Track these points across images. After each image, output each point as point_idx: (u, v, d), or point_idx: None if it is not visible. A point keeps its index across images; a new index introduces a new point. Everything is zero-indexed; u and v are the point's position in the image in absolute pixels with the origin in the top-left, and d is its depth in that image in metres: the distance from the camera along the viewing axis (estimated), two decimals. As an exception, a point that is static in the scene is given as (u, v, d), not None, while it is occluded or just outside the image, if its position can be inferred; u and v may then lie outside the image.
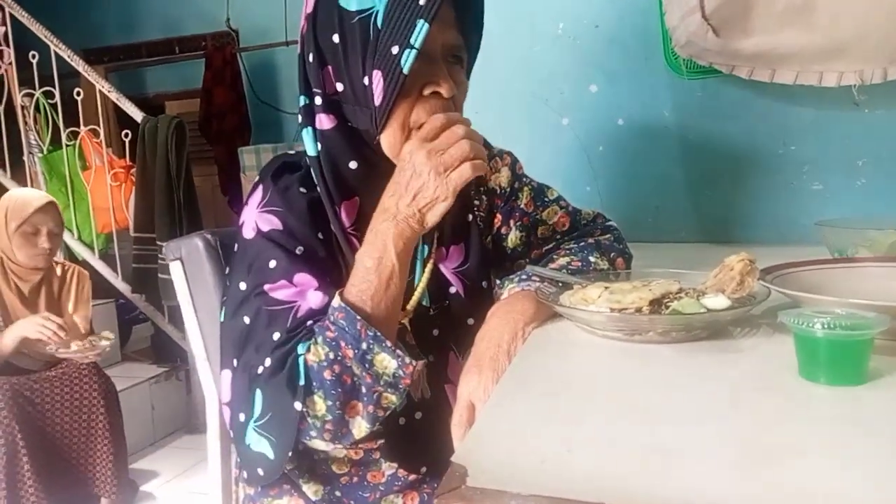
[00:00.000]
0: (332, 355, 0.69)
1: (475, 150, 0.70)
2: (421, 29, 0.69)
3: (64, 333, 2.10)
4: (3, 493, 1.92)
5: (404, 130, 0.76)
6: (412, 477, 0.85)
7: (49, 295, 2.28)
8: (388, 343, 0.69)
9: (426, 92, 0.76)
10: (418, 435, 0.83)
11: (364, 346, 0.69)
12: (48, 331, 2.07)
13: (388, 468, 0.85)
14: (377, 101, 0.74)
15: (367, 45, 0.73)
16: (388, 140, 0.77)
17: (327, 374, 0.69)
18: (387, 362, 0.69)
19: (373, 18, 0.73)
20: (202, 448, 1.05)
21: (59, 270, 2.33)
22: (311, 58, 0.79)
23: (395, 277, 0.72)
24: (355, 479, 0.85)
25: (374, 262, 0.72)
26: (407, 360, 0.69)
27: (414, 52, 0.70)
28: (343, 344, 0.69)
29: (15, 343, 2.08)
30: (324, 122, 0.79)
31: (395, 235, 0.71)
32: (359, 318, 0.69)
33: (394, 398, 0.71)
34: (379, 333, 0.69)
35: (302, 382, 0.69)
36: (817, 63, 1.27)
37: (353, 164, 0.79)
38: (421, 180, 0.70)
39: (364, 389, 0.70)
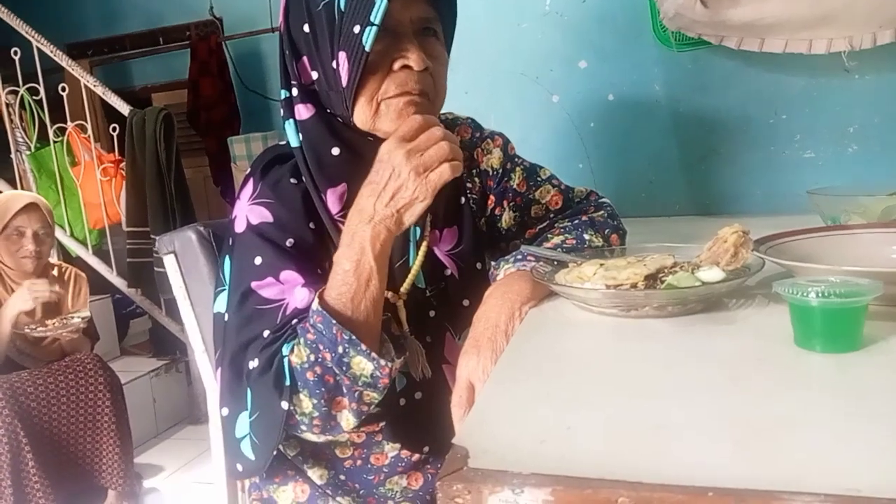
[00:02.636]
0: (312, 357, 0.71)
1: (454, 152, 0.71)
2: (380, 6, 0.70)
3: (57, 287, 2.12)
4: (9, 489, 1.93)
5: (373, 105, 0.77)
6: (415, 457, 0.86)
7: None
8: (364, 346, 0.70)
9: (396, 67, 0.76)
10: (419, 415, 0.84)
11: (340, 349, 0.70)
12: (41, 293, 2.07)
13: (391, 449, 0.85)
14: (343, 81, 0.75)
15: (334, 30, 0.75)
16: (360, 118, 0.78)
17: (310, 375, 0.71)
18: (363, 365, 0.70)
19: (336, 3, 0.74)
20: (206, 438, 1.06)
21: (55, 273, 2.31)
22: (287, 51, 0.81)
23: (374, 279, 0.72)
24: (359, 461, 0.86)
25: (353, 265, 0.72)
26: (382, 362, 0.70)
27: (374, 28, 0.71)
28: (321, 347, 0.70)
29: (11, 322, 2.07)
30: (302, 112, 0.81)
31: (371, 238, 0.72)
32: (334, 322, 0.69)
33: (375, 395, 0.73)
34: (354, 337, 0.69)
35: (288, 383, 0.71)
36: (806, 31, 1.26)
37: (335, 151, 0.80)
38: (400, 181, 0.70)
39: (345, 389, 0.72)
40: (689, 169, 1.53)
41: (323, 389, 0.71)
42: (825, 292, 0.55)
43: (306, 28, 0.77)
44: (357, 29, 0.72)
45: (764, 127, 1.45)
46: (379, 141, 0.75)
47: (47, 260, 2.29)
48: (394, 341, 0.77)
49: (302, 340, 0.71)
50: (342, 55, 0.74)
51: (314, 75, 0.79)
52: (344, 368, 0.70)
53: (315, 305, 0.71)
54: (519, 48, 1.61)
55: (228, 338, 0.78)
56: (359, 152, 0.79)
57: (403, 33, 0.76)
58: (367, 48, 0.72)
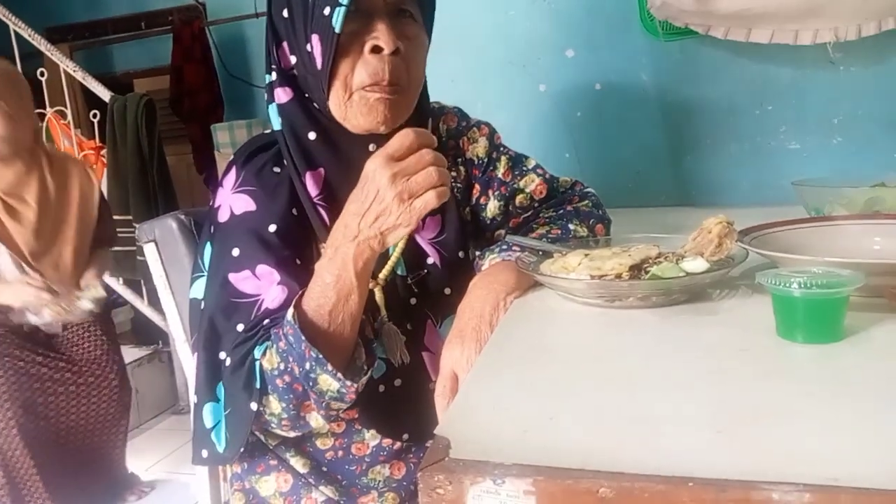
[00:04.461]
0: (282, 366, 0.71)
1: (442, 177, 0.68)
2: None
3: (48, 295, 1.78)
4: (36, 484, 1.86)
5: (346, 90, 0.76)
6: (396, 446, 0.86)
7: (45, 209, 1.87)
8: (330, 367, 0.69)
9: (366, 49, 0.75)
10: (398, 402, 0.84)
11: (307, 366, 0.69)
12: (29, 296, 1.77)
13: (372, 438, 0.85)
14: (318, 64, 0.76)
15: (307, 13, 0.75)
16: (334, 102, 0.78)
17: (280, 382, 0.71)
18: (330, 382, 0.70)
19: None
20: (189, 429, 1.04)
21: (45, 161, 1.90)
22: (270, 37, 0.82)
23: (354, 294, 0.72)
24: (340, 452, 0.86)
25: (334, 279, 0.71)
26: (348, 382, 0.70)
27: (342, 9, 0.71)
28: (291, 359, 0.70)
29: None
30: (281, 96, 0.81)
31: (355, 255, 0.71)
32: (303, 339, 0.68)
33: (343, 405, 0.74)
34: (321, 356, 0.69)
35: (258, 385, 0.72)
36: (792, 21, 1.26)
37: (311, 135, 0.81)
38: (384, 204, 0.68)
39: (313, 399, 0.73)
40: (675, 159, 1.53)
41: (291, 396, 0.72)
42: (807, 283, 0.55)
43: (285, 13, 0.78)
44: (327, 11, 0.72)
45: (750, 118, 1.45)
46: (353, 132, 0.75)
47: (23, 145, 1.81)
48: (369, 342, 0.77)
49: (274, 347, 0.71)
50: (315, 38, 0.75)
51: (293, 60, 0.80)
52: (310, 384, 0.70)
53: (289, 316, 0.70)
54: (506, 36, 1.59)
55: (203, 326, 0.78)
56: (333, 139, 0.80)
57: (376, 14, 0.76)
58: (336, 29, 0.72)
